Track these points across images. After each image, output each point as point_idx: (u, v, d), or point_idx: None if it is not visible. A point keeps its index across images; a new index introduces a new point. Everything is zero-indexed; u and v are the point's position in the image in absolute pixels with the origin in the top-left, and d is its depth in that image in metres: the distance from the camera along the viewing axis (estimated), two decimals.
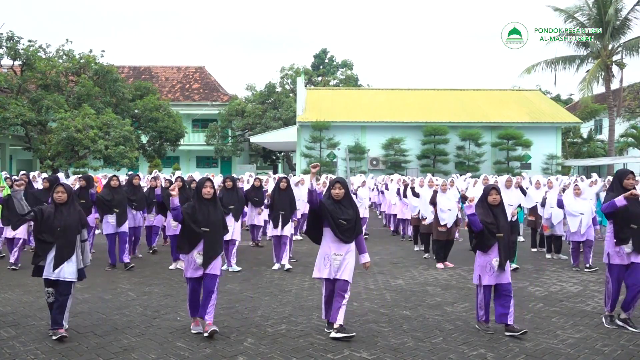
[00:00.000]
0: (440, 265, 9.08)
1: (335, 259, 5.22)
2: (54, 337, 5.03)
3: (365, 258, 5.36)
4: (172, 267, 8.87)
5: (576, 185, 9.19)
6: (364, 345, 4.99)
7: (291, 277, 8.17)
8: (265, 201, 9.84)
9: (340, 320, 5.16)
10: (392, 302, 6.61)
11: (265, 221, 11.96)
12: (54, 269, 5.06)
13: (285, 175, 9.87)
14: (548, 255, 10.09)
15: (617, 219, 5.56)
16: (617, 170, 5.70)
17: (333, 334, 5.12)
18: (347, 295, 5.25)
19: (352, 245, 5.32)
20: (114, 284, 7.56)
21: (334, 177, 12.70)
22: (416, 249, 11.07)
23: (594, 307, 6.41)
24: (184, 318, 5.83)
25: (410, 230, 12.97)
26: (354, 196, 6.99)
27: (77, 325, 5.47)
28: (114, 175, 9.20)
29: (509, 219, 6.39)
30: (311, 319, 5.87)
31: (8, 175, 11.92)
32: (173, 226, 8.79)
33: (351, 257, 5.29)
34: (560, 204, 9.08)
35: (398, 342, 5.10)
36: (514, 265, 8.50)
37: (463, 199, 9.90)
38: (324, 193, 9.59)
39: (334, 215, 5.21)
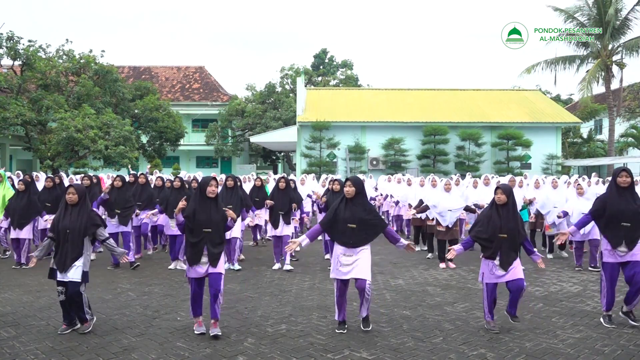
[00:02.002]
0: (442, 265, 9.10)
1: (346, 260, 5.29)
2: (84, 331, 5.21)
3: (402, 242, 5.42)
4: (171, 266, 8.88)
5: (578, 184, 9.19)
6: (364, 345, 4.99)
7: (291, 277, 8.17)
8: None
9: (363, 312, 5.45)
10: (392, 302, 6.61)
11: (265, 221, 11.97)
12: (61, 270, 5.13)
13: (284, 175, 9.83)
14: (550, 256, 10.09)
15: (606, 221, 5.59)
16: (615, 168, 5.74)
17: (363, 327, 5.42)
18: (367, 293, 5.35)
19: (365, 245, 5.36)
20: (114, 284, 7.56)
21: (333, 176, 12.73)
22: (417, 249, 11.07)
23: (594, 307, 6.41)
24: (184, 318, 5.83)
25: (412, 230, 13.01)
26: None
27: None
28: (118, 176, 9.24)
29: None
30: (311, 319, 5.87)
31: (10, 175, 11.95)
32: (172, 226, 8.81)
33: (363, 255, 5.32)
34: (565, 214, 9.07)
35: (398, 342, 5.10)
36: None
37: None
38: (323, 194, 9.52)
39: (340, 219, 5.30)
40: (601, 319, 5.73)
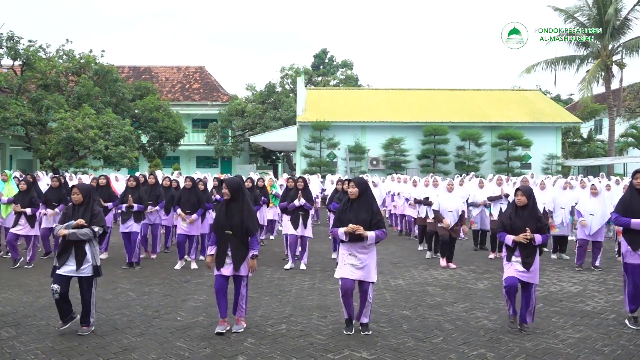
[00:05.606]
0: (443, 263, 9.09)
1: (351, 260, 5.24)
2: (83, 334, 5.20)
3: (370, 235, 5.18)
4: (177, 266, 8.85)
5: (593, 185, 9.13)
6: (364, 345, 4.99)
7: (291, 277, 8.17)
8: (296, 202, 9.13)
9: (363, 319, 5.36)
10: (392, 302, 6.61)
11: (269, 220, 11.96)
12: (78, 268, 5.17)
13: (302, 176, 9.79)
14: (554, 256, 10.10)
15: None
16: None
17: (362, 331, 5.33)
18: (369, 296, 5.30)
19: (370, 245, 5.29)
20: (114, 284, 7.56)
21: (335, 176, 12.77)
22: (420, 248, 11.07)
23: (594, 307, 6.41)
24: (184, 318, 5.83)
25: (416, 229, 13.03)
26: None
27: (77, 325, 5.46)
28: (131, 176, 9.31)
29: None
30: (311, 319, 5.87)
31: (17, 175, 11.94)
32: (183, 226, 8.82)
33: (369, 257, 5.27)
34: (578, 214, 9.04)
35: (398, 342, 5.10)
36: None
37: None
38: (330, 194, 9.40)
39: (345, 220, 5.23)
40: (626, 321, 5.70)
